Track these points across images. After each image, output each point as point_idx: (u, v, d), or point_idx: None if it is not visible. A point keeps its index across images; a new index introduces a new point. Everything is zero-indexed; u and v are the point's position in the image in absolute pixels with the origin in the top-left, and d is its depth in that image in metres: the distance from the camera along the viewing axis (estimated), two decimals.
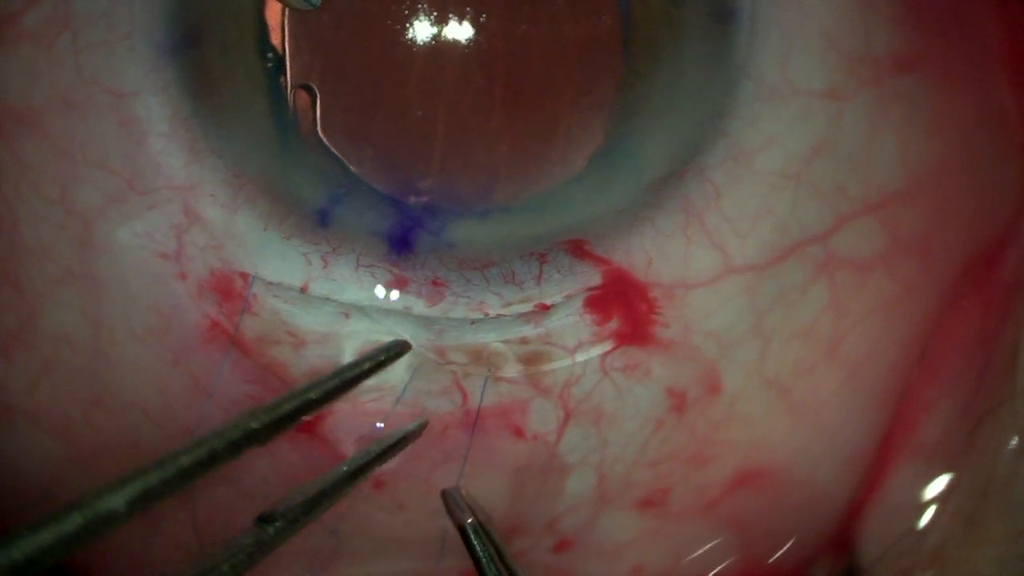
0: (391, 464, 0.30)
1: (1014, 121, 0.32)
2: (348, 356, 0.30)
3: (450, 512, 0.30)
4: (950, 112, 0.31)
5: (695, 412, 0.31)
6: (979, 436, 0.30)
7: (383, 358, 0.29)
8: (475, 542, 0.29)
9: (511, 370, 0.30)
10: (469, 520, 0.29)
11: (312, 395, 0.27)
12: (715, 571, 0.33)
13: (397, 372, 0.30)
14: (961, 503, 0.30)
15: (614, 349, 0.30)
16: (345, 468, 0.28)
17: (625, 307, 0.31)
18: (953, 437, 0.31)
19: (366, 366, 0.29)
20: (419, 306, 0.30)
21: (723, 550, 0.32)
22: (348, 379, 0.28)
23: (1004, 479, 0.29)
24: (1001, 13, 0.31)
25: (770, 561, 0.33)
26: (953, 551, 0.30)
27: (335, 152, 0.31)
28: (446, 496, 0.30)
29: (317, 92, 0.31)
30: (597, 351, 0.31)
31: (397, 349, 0.30)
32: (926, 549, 0.30)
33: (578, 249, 0.31)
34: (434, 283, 0.31)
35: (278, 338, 0.30)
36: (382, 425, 0.30)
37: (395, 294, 0.30)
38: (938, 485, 0.31)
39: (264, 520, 0.25)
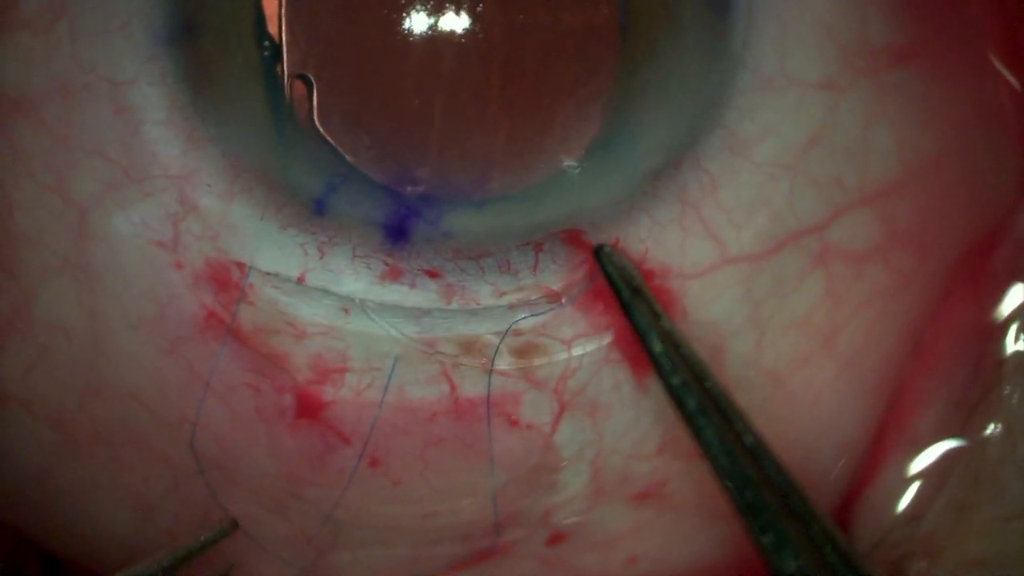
0: (384, 439, 0.30)
1: (1010, 113, 0.32)
2: (353, 349, 0.30)
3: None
4: (947, 104, 0.31)
5: None
6: (971, 425, 0.30)
7: (205, 540, 0.30)
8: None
9: (504, 362, 0.30)
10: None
11: None
12: (710, 562, 0.33)
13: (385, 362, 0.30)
14: (953, 491, 0.31)
15: (611, 341, 0.31)
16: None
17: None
18: (948, 427, 0.32)
19: (189, 548, 0.29)
20: (413, 297, 0.30)
21: (718, 541, 0.33)
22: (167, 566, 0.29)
23: (993, 465, 0.30)
24: (998, 6, 0.31)
25: None
26: (945, 539, 0.30)
27: (331, 141, 0.31)
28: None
29: (314, 81, 0.31)
30: (594, 343, 0.31)
31: (223, 533, 0.30)
32: (919, 538, 0.31)
33: (574, 239, 0.31)
34: (429, 273, 0.31)
35: (277, 328, 0.30)
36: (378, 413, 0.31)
37: (389, 285, 0.30)
38: (932, 475, 0.31)
39: None
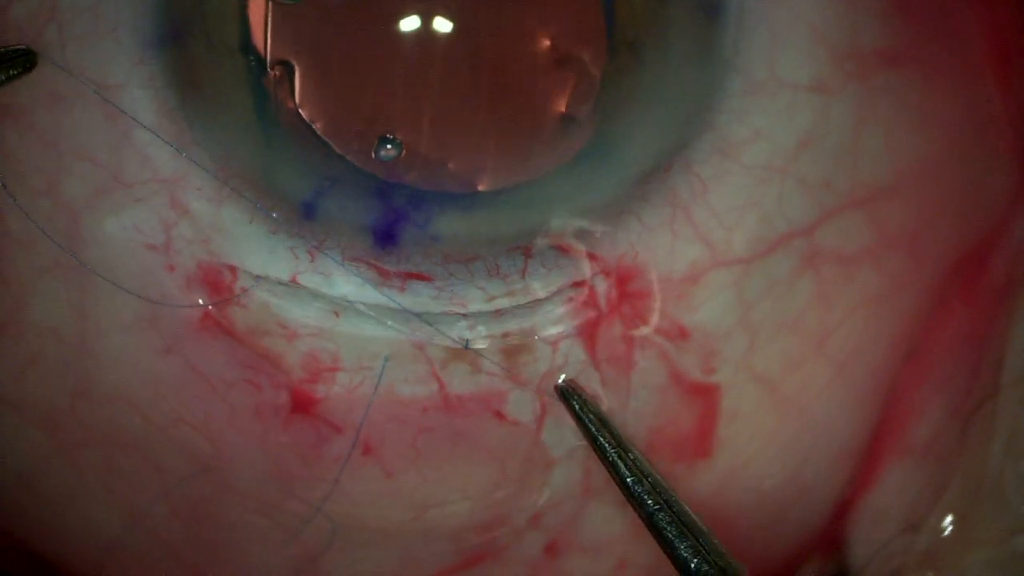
0: (377, 427, 0.31)
1: (1003, 120, 0.32)
2: (344, 350, 0.31)
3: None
4: (938, 109, 0.32)
5: (681, 406, 0.32)
6: (969, 435, 0.31)
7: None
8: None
9: (491, 363, 0.31)
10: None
11: None
12: None
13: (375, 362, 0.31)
14: (952, 502, 0.31)
15: (598, 343, 0.31)
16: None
17: (610, 301, 0.31)
18: (944, 436, 0.32)
19: None
20: (402, 300, 0.31)
21: None
22: None
23: (993, 478, 0.30)
24: (987, 12, 0.32)
25: (756, 559, 0.33)
26: (945, 552, 0.31)
27: (320, 142, 0.32)
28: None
29: (300, 85, 0.31)
30: (581, 345, 0.31)
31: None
32: (918, 550, 0.31)
33: (564, 244, 0.31)
34: (418, 277, 0.31)
35: (269, 330, 0.31)
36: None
37: (379, 288, 0.31)
38: (930, 485, 0.32)
39: None
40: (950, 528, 0.31)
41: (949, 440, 0.32)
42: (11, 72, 0.30)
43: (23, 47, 0.30)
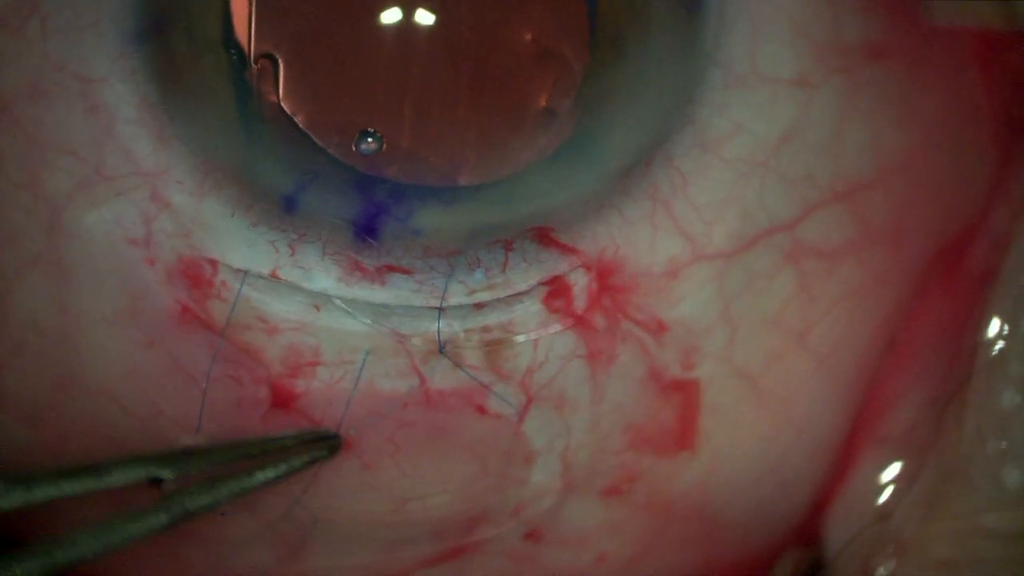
0: (357, 422, 0.32)
1: (985, 112, 0.32)
2: (324, 344, 0.31)
3: None
4: (920, 102, 0.32)
5: (662, 401, 0.32)
6: (944, 423, 0.31)
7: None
8: None
9: (472, 357, 0.31)
10: None
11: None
12: (679, 562, 0.33)
13: (356, 356, 0.31)
14: (923, 489, 0.31)
15: (579, 337, 0.31)
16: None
17: (591, 295, 0.31)
18: (921, 427, 0.32)
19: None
20: (382, 294, 0.31)
21: (688, 541, 0.33)
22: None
23: (963, 460, 0.30)
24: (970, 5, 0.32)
25: (735, 553, 0.34)
26: (911, 534, 0.31)
27: (301, 135, 0.32)
28: None
29: (283, 79, 0.32)
30: (561, 339, 0.31)
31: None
32: (888, 538, 0.31)
33: (544, 237, 0.32)
34: (399, 271, 0.31)
35: (249, 323, 0.31)
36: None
37: (360, 282, 0.31)
38: (904, 474, 0.32)
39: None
40: (919, 513, 0.31)
41: (926, 430, 0.32)
42: (317, 455, 0.31)
43: (331, 431, 0.31)
